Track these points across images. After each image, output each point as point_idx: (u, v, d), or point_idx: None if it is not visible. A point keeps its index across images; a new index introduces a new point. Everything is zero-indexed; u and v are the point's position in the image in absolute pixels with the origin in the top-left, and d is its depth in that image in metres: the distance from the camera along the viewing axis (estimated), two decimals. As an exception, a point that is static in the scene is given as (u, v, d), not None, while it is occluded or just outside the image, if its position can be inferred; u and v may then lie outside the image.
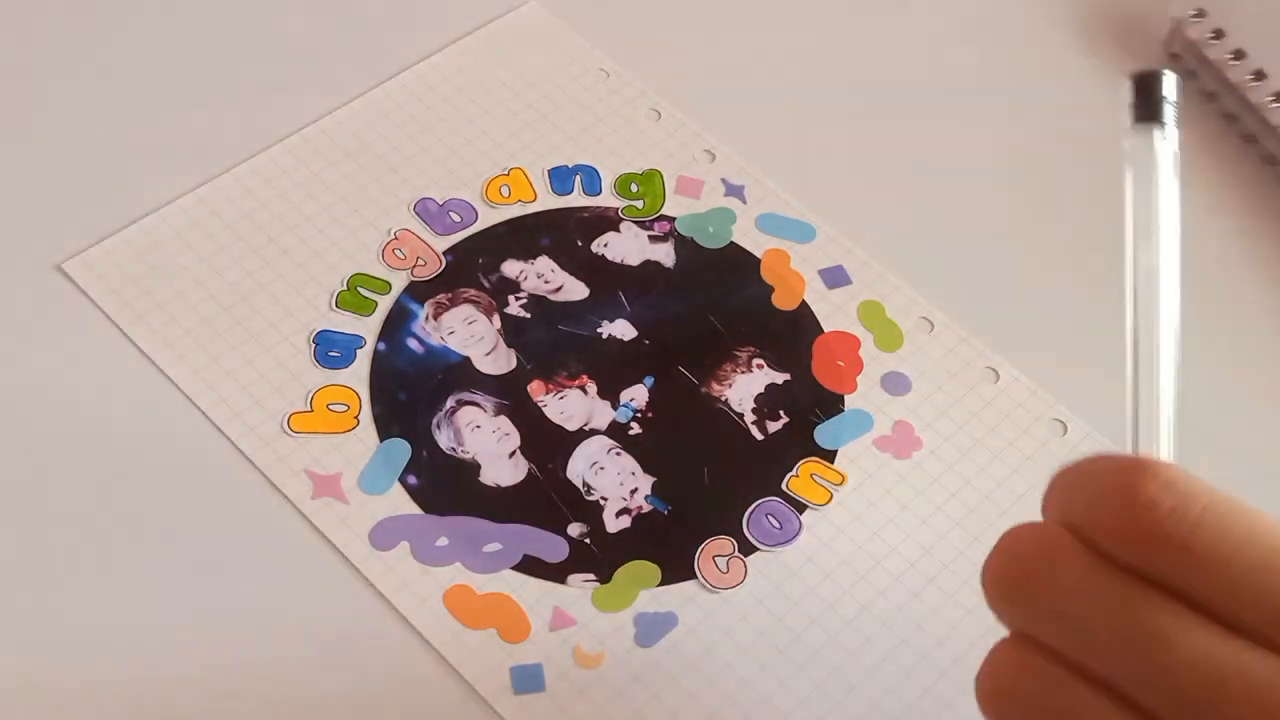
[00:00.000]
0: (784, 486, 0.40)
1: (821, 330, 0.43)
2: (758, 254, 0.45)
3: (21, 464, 0.39)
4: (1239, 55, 0.48)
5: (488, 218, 0.45)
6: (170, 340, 0.41)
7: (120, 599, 0.37)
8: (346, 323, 0.42)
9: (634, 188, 0.46)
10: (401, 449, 0.39)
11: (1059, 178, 0.48)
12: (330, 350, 0.41)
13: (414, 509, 0.38)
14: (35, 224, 0.43)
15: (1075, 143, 0.48)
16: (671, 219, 0.45)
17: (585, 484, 0.39)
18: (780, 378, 0.42)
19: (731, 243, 0.45)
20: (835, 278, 0.44)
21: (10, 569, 0.37)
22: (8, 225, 0.43)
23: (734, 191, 0.46)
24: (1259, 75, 0.47)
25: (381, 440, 0.40)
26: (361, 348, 0.41)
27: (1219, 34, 0.49)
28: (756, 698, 0.36)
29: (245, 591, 0.37)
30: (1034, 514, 0.28)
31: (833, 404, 0.42)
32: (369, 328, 0.42)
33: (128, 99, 0.47)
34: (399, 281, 0.43)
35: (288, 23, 0.50)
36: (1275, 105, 0.47)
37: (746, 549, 0.38)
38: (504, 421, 0.40)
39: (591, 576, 0.38)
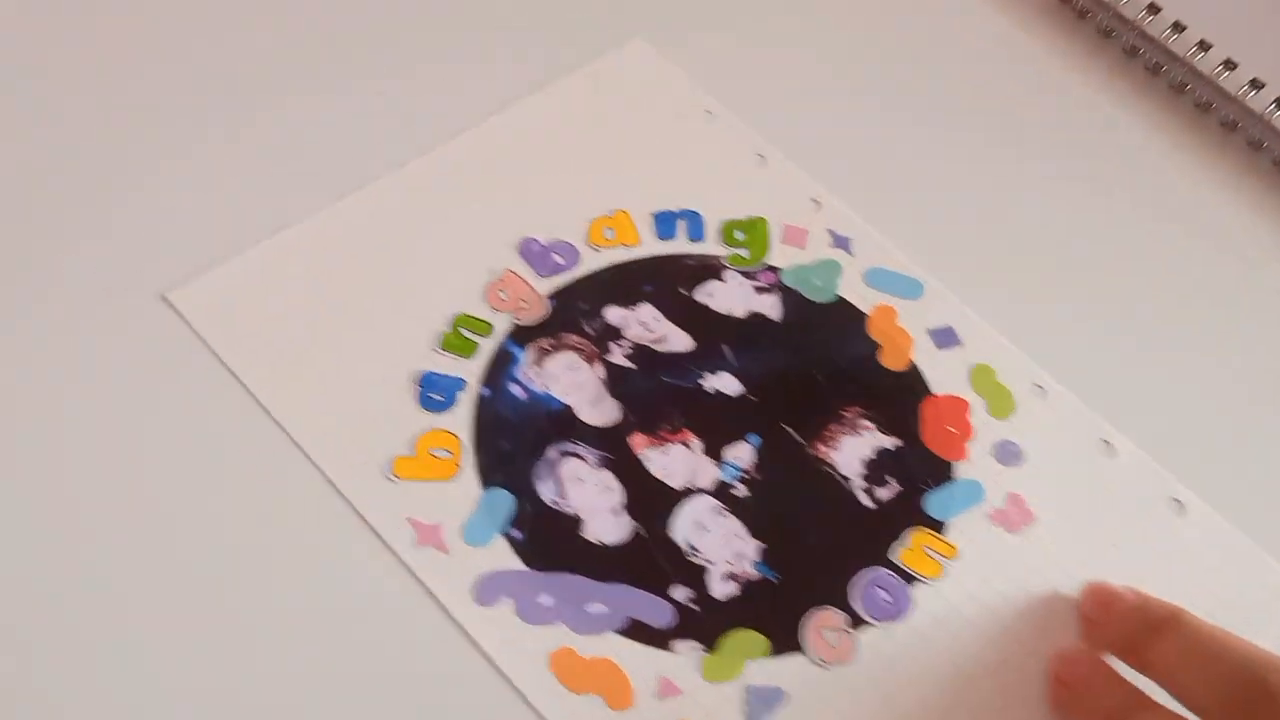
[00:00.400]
0: (894, 557, 0.39)
1: (930, 392, 0.42)
2: (865, 310, 0.44)
3: (119, 497, 0.38)
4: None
5: (590, 261, 0.44)
6: (274, 375, 0.40)
7: (215, 636, 0.36)
8: (449, 365, 0.41)
9: (739, 235, 0.45)
10: (504, 500, 0.38)
11: (1175, 243, 0.47)
12: (433, 392, 0.40)
13: (516, 563, 0.37)
14: (141, 252, 0.42)
15: (1185, 210, 0.48)
16: (777, 269, 0.44)
17: (691, 546, 0.38)
18: (890, 442, 0.41)
19: (838, 297, 0.44)
20: (945, 338, 0.43)
21: (107, 606, 0.36)
22: (113, 252, 0.42)
23: (840, 243, 0.45)
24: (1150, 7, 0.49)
25: (484, 489, 0.39)
26: (463, 391, 0.40)
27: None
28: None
29: (345, 639, 0.36)
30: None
31: (942, 472, 0.41)
32: (471, 371, 0.41)
33: (237, 127, 0.46)
34: (501, 324, 0.42)
35: (388, 60, 0.49)
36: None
37: (857, 623, 0.37)
38: (607, 475, 0.39)
39: (697, 644, 0.37)
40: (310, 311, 0.42)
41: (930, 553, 0.39)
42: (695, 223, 0.45)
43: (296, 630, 0.36)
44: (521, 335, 0.42)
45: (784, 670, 0.36)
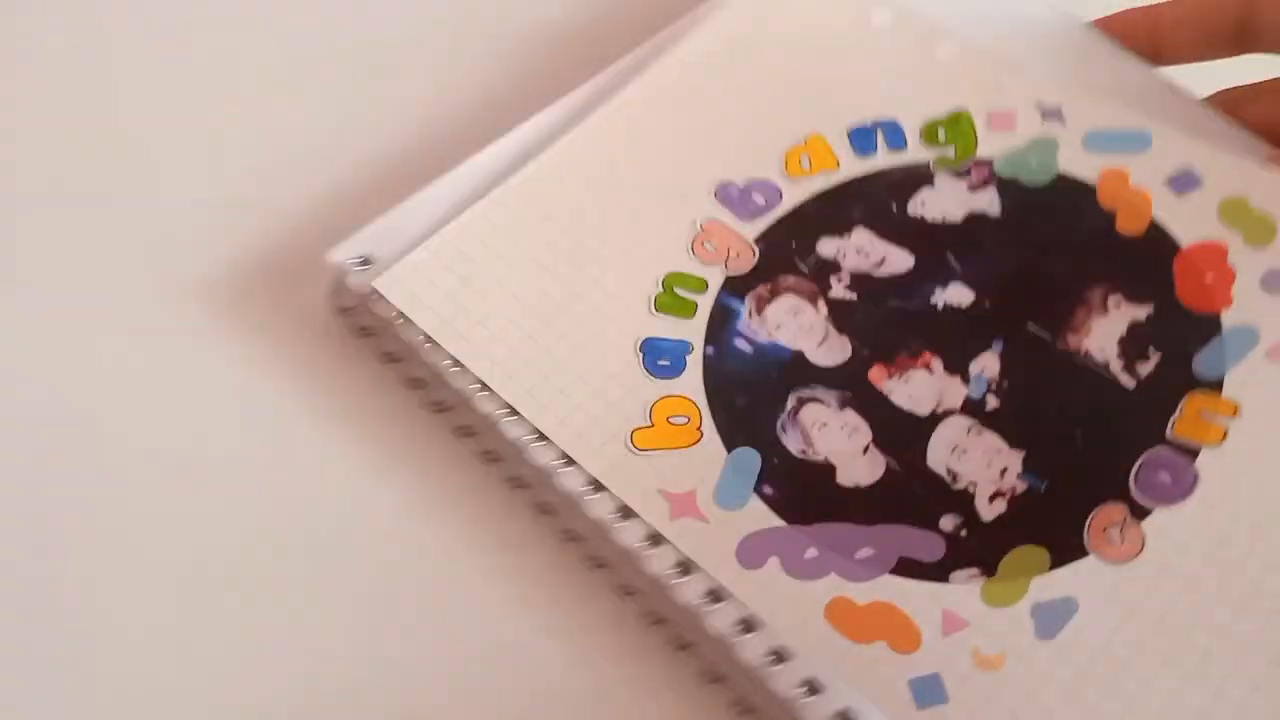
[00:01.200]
0: (1169, 433, 0.36)
1: (1179, 246, 0.39)
2: (1091, 180, 0.41)
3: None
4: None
5: (792, 195, 0.42)
6: (497, 359, 0.40)
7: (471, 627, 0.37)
8: (669, 328, 0.40)
9: (942, 134, 0.43)
10: (751, 458, 0.38)
11: None
12: (659, 359, 0.40)
13: (775, 521, 0.37)
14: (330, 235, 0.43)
15: None
16: (988, 162, 0.42)
17: (950, 471, 0.37)
18: (1143, 311, 0.38)
19: (1059, 175, 0.41)
20: (1184, 183, 0.40)
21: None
22: (307, 235, 0.44)
23: (1050, 115, 0.42)
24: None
25: (729, 451, 0.38)
26: (690, 354, 0.40)
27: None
28: (1178, 676, 0.33)
29: (614, 619, 0.36)
30: None
31: (1208, 327, 0.38)
32: (693, 331, 0.40)
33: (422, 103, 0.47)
34: (714, 278, 0.41)
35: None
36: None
37: (1140, 513, 0.35)
38: (851, 415, 0.38)
39: (976, 571, 0.35)
40: (521, 288, 0.41)
41: (1208, 417, 0.36)
42: (894, 131, 0.43)
43: (560, 616, 0.37)
44: (737, 286, 0.41)
45: (1071, 579, 0.35)
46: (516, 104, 0.45)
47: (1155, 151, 0.41)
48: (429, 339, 0.39)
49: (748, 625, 0.35)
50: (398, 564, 0.39)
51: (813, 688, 0.34)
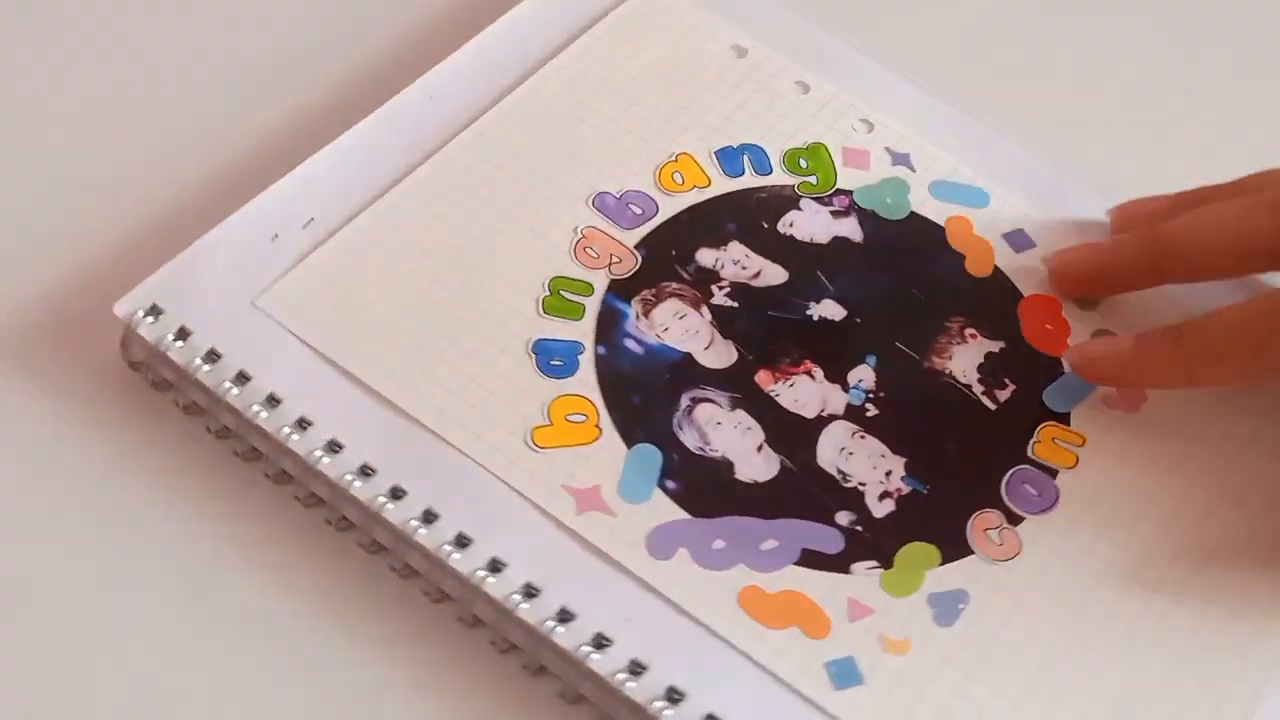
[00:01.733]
0: (1030, 453, 0.40)
1: (1021, 295, 0.43)
2: (940, 222, 0.45)
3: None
4: (212, 357, 0.39)
5: (667, 207, 0.44)
6: (389, 368, 0.39)
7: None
8: (559, 329, 0.40)
9: (803, 163, 0.45)
10: (651, 454, 0.38)
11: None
12: (552, 359, 0.40)
13: (680, 514, 0.37)
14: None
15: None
16: (849, 192, 0.45)
17: (840, 471, 0.39)
18: (996, 345, 0.42)
19: (912, 213, 0.45)
20: (1018, 241, 0.44)
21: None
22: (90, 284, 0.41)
23: (900, 160, 0.46)
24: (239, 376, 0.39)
25: (629, 447, 0.38)
26: (582, 354, 0.40)
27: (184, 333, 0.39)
28: (1069, 665, 0.36)
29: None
30: None
31: (1054, 366, 0.42)
32: (583, 332, 0.40)
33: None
34: (599, 281, 0.42)
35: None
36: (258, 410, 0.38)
37: (1014, 519, 0.38)
38: (743, 415, 0.40)
39: (874, 563, 0.37)
40: (407, 296, 0.41)
41: (1062, 444, 0.40)
42: (759, 156, 0.45)
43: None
44: (622, 289, 0.42)
45: (960, 573, 0.37)
46: (286, 146, 0.44)
47: (992, 209, 0.45)
48: (241, 379, 0.38)
49: (599, 641, 0.35)
50: (237, 620, 0.37)
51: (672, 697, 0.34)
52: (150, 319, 0.39)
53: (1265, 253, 0.39)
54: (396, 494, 0.37)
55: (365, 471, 0.37)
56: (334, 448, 0.37)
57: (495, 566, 0.35)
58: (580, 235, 0.42)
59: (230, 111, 0.46)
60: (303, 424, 0.37)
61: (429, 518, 0.36)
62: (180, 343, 0.39)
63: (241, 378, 0.38)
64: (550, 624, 0.35)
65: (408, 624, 0.36)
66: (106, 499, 0.38)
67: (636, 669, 0.34)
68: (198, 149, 0.45)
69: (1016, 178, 0.46)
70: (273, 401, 0.38)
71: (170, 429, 0.39)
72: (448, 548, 0.36)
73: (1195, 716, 0.36)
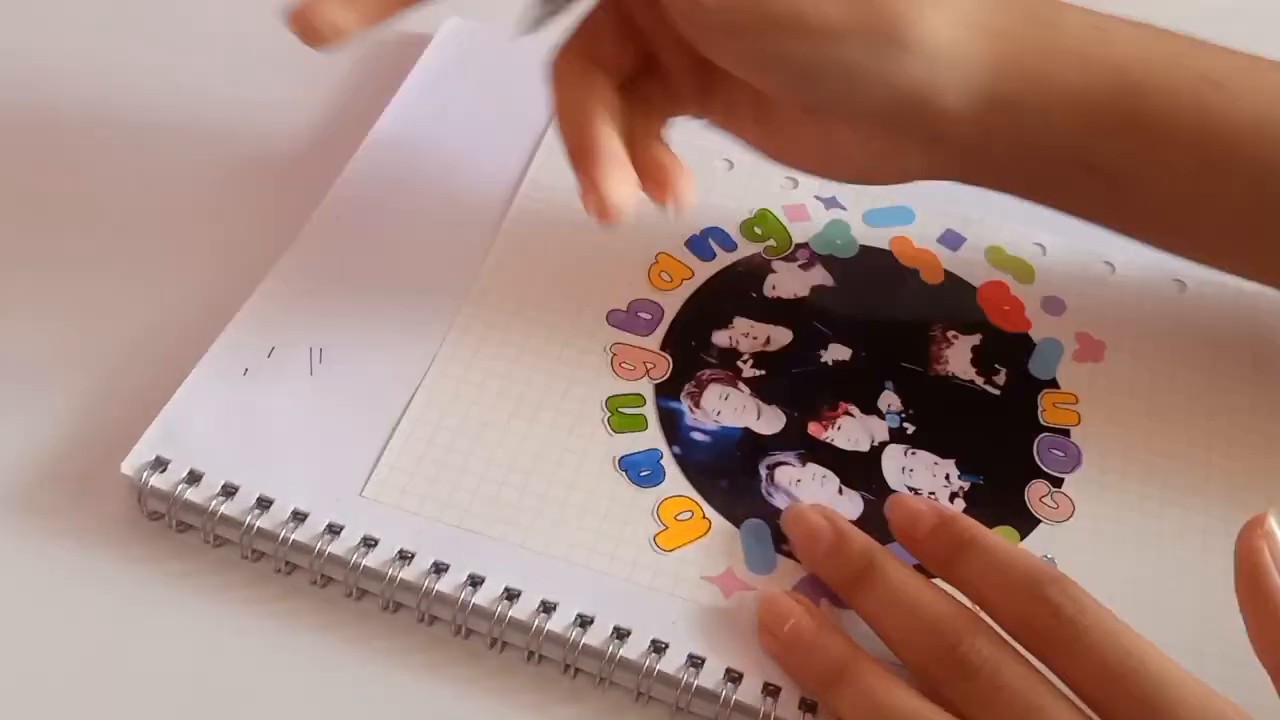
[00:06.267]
0: (1042, 421, 0.47)
1: (974, 286, 0.50)
2: (885, 246, 0.51)
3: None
4: (229, 491, 0.42)
5: (669, 304, 0.49)
6: (504, 517, 0.42)
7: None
8: (633, 442, 0.45)
9: (757, 230, 0.51)
10: (759, 527, 0.43)
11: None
12: (640, 470, 0.44)
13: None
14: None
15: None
16: (805, 245, 0.51)
17: (910, 489, 0.45)
18: (976, 338, 0.49)
19: (860, 246, 0.51)
20: (951, 240, 0.52)
21: None
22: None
23: (831, 203, 0.52)
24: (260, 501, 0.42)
25: (738, 526, 0.43)
26: (662, 458, 0.45)
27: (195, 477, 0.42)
28: (1155, 591, 0.43)
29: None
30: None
31: (1025, 342, 0.49)
32: (653, 439, 0.45)
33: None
34: (645, 389, 0.46)
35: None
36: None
37: (1056, 482, 0.46)
38: (815, 467, 0.45)
39: (974, 556, 0.44)
40: (485, 453, 0.44)
41: (1062, 406, 0.47)
42: (721, 235, 0.51)
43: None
44: (667, 390, 0.46)
45: (1041, 542, 0.44)
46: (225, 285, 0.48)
47: (920, 221, 0.52)
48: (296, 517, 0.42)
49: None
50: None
51: None
52: (159, 471, 0.42)
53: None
54: (547, 608, 0.41)
55: (509, 595, 0.41)
56: (440, 570, 0.41)
57: (694, 661, 0.40)
58: (612, 353, 0.47)
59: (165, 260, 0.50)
60: (368, 543, 0.42)
61: (583, 622, 0.40)
62: (193, 486, 0.42)
63: (262, 502, 0.42)
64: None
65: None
66: (160, 632, 0.41)
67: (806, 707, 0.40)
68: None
69: (922, 188, 0.53)
70: (332, 529, 0.42)
71: (205, 561, 0.42)
72: (654, 655, 0.40)
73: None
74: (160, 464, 0.42)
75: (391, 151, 0.53)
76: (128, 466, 0.42)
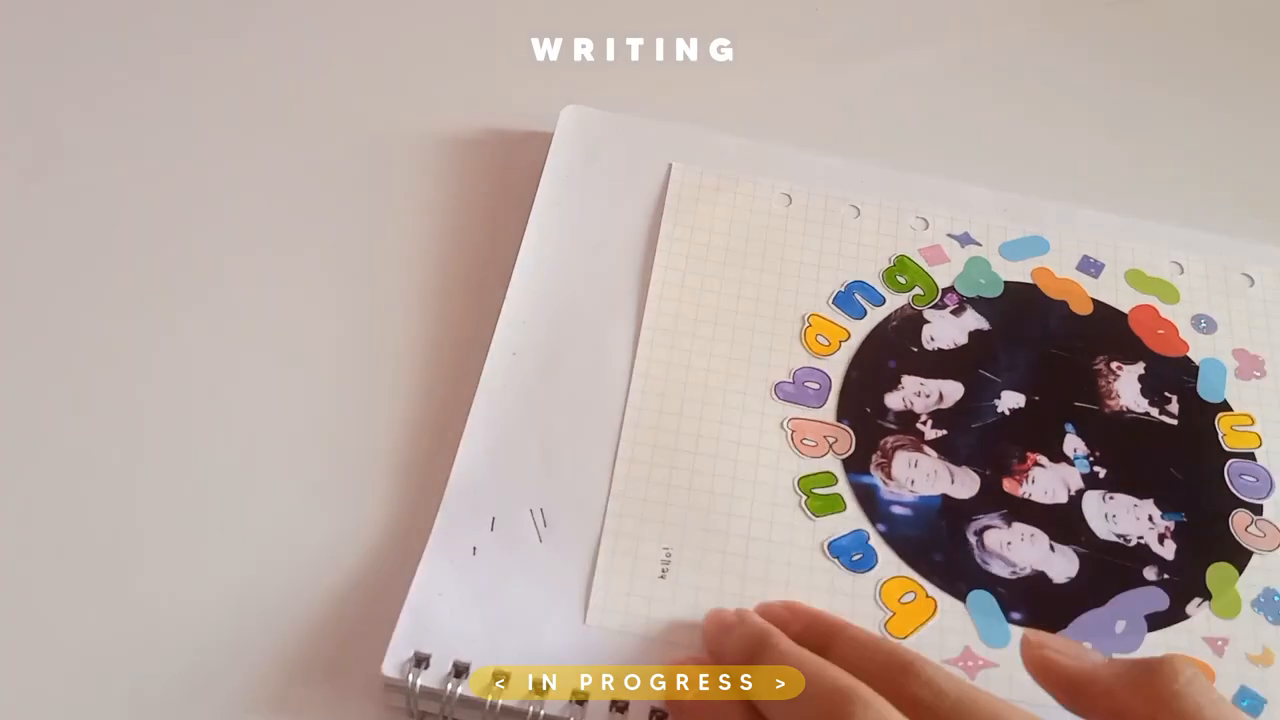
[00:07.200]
0: (1225, 447, 0.47)
1: (1124, 313, 0.50)
2: (1029, 280, 0.50)
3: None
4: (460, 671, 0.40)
5: (833, 370, 0.47)
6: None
7: None
8: (835, 525, 0.43)
9: (900, 279, 0.50)
10: (985, 598, 0.42)
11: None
12: (852, 555, 0.43)
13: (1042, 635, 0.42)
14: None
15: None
16: (951, 288, 0.50)
17: (1117, 535, 0.44)
18: (1140, 368, 0.48)
19: (1005, 283, 0.50)
20: (1090, 266, 0.51)
21: None
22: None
23: (965, 240, 0.51)
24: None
25: (964, 601, 0.42)
26: (870, 539, 0.43)
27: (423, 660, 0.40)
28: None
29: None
30: None
31: (1189, 366, 0.48)
32: (855, 519, 0.44)
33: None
34: (835, 467, 0.45)
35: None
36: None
37: (1256, 510, 0.45)
38: (1021, 526, 0.44)
39: (1199, 599, 0.43)
40: (693, 553, 0.42)
41: (1240, 429, 0.47)
42: (866, 289, 0.49)
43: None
44: (855, 464, 0.45)
45: (1260, 574, 0.43)
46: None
47: (1055, 249, 0.51)
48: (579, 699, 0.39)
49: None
50: None
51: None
52: (423, 668, 0.39)
53: None
54: None
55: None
56: None
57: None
58: (789, 430, 0.45)
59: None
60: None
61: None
62: (462, 679, 0.39)
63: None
64: None
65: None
66: None
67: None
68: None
69: (1046, 219, 0.52)
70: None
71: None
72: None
73: None
74: (421, 660, 0.39)
75: (537, 271, 0.49)
76: (389, 668, 0.39)
